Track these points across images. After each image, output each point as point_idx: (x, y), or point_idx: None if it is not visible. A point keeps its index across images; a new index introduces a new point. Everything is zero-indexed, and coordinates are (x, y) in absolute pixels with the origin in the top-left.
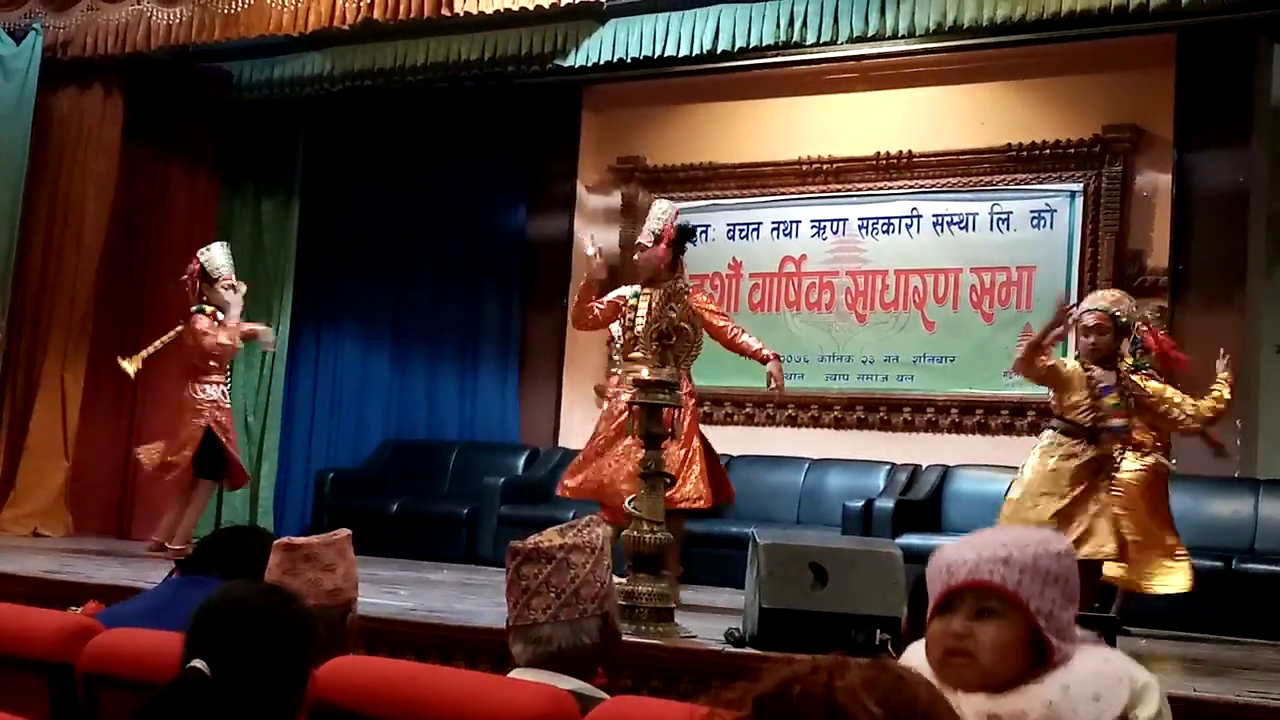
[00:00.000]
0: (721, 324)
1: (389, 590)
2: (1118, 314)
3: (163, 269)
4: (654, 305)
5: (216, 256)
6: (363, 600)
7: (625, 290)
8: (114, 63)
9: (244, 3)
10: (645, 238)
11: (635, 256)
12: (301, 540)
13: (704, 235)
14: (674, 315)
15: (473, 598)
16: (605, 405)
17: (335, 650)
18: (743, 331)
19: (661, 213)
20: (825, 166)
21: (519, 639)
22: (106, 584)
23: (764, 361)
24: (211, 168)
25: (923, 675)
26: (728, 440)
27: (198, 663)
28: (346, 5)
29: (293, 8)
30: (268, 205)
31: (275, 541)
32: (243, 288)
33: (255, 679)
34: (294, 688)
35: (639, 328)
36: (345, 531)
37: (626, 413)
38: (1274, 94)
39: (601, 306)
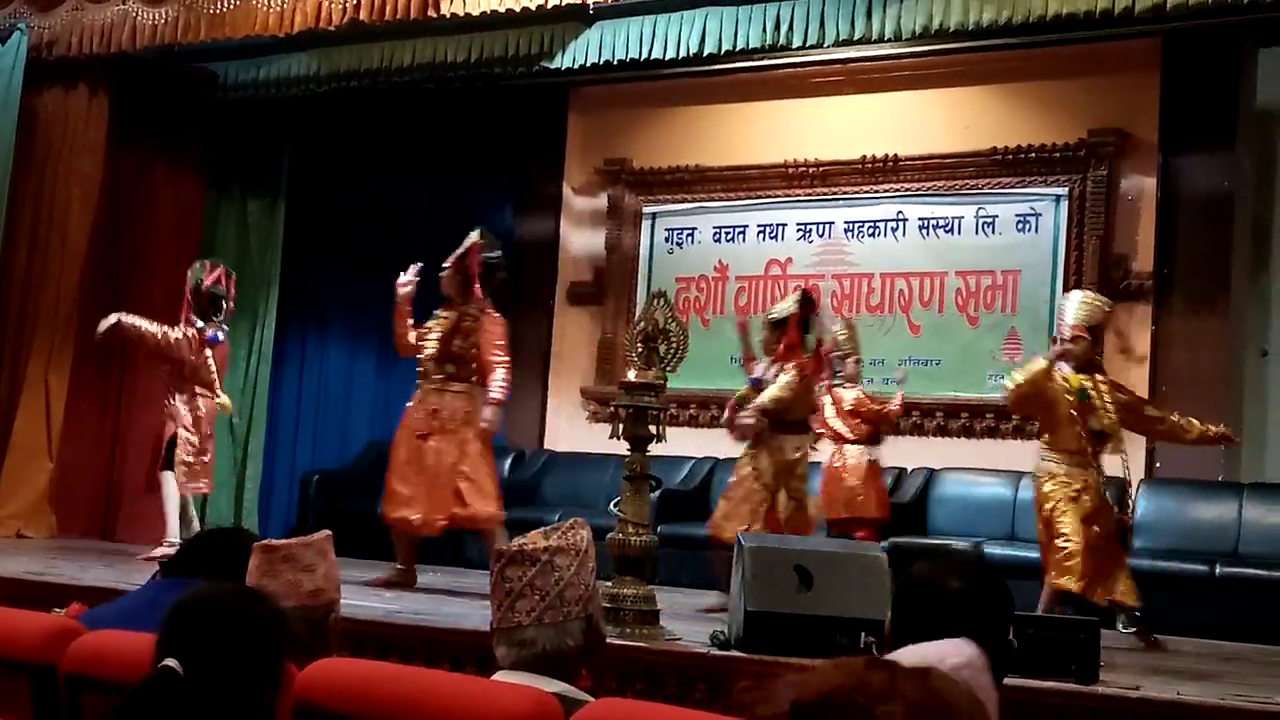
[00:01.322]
0: (490, 358)
1: (374, 592)
2: (773, 315)
3: (147, 270)
4: (445, 328)
5: None
6: (348, 602)
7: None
8: (99, 63)
9: (230, 3)
10: (449, 260)
11: (440, 273)
12: (280, 542)
13: (690, 238)
14: (459, 344)
15: (458, 600)
16: (406, 424)
17: (318, 652)
18: (501, 370)
19: (468, 240)
20: (811, 170)
21: (503, 641)
22: (90, 586)
23: (487, 404)
24: (197, 168)
25: (969, 700)
26: (715, 444)
27: (170, 662)
28: (332, 6)
29: (278, 8)
30: (253, 206)
31: (255, 544)
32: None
33: (228, 678)
34: (268, 687)
35: (429, 349)
36: (325, 532)
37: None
38: (1259, 98)
39: (418, 332)
